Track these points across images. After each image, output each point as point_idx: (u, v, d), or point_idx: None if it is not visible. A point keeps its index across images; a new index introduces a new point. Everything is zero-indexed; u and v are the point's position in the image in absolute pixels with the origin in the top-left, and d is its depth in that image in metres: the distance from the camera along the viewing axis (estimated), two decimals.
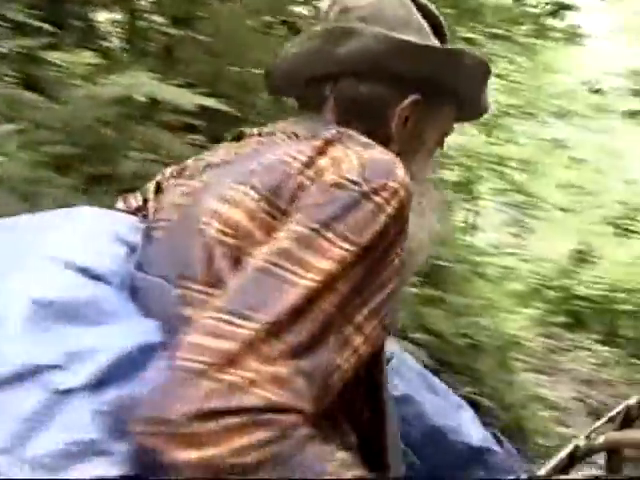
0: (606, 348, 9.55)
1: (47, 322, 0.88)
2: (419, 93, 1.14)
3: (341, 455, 0.87)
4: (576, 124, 11.67)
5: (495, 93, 9.88)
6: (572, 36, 8.83)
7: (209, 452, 0.79)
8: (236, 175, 1.01)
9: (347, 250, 0.90)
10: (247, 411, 0.80)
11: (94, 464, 0.81)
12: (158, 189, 1.18)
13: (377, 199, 0.93)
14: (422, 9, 1.22)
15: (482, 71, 1.20)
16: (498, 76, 9.49)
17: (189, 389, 0.80)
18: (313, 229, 0.90)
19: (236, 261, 0.92)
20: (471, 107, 1.27)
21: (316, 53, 1.15)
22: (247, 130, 1.18)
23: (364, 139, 1.05)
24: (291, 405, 0.82)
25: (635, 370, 8.22)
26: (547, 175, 11.93)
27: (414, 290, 4.20)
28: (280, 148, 1.04)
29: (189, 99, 3.22)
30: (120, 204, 1.25)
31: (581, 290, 11.26)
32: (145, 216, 1.16)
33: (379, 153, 1.01)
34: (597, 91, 10.79)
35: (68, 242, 1.01)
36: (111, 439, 0.83)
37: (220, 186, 1.00)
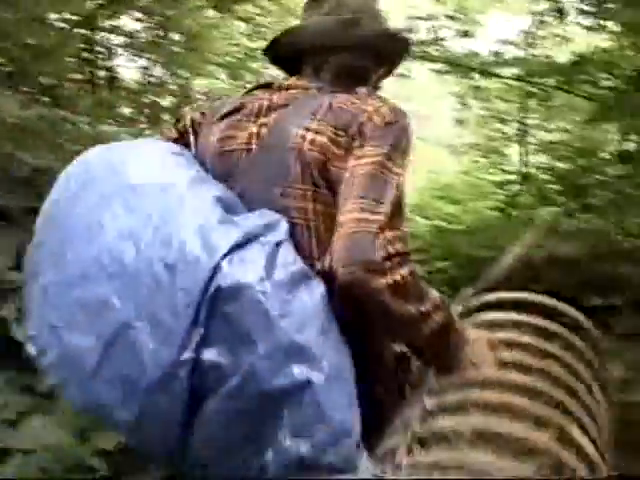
0: None
1: (233, 212, 1.43)
2: (388, 63, 1.80)
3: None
4: None
5: (240, 37, 10.48)
6: None
7: (395, 276, 1.34)
8: (307, 114, 1.53)
9: (403, 162, 1.50)
10: (402, 254, 1.37)
11: (312, 283, 1.35)
12: (193, 126, 1.71)
13: (405, 130, 1.55)
14: None
15: (409, 48, 1.85)
16: (242, 19, 10.47)
17: (376, 242, 1.34)
18: (387, 151, 1.47)
19: (324, 170, 1.48)
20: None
21: (328, 33, 1.68)
22: (275, 81, 1.70)
23: (378, 94, 1.69)
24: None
25: None
26: None
27: None
28: (330, 97, 1.58)
29: None
30: (159, 137, 1.79)
31: None
32: (186, 145, 1.68)
33: (391, 103, 1.60)
34: None
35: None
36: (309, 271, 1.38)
37: (298, 120, 1.53)
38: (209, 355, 1.25)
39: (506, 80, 7.96)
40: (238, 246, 1.29)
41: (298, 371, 1.26)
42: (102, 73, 7.50)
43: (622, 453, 3.50)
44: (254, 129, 1.58)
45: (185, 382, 1.25)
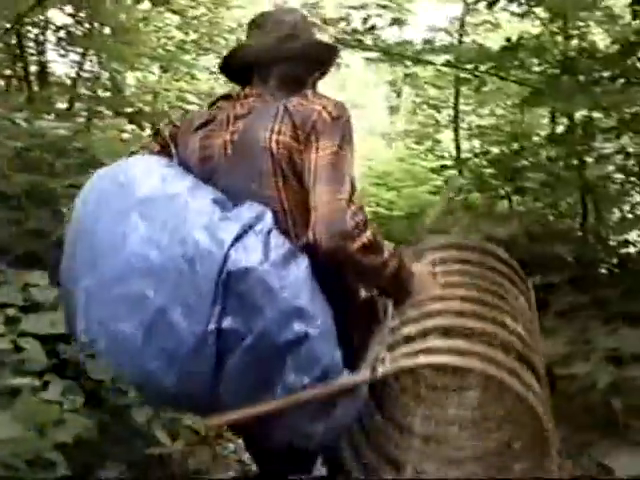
0: None
1: (226, 209, 1.81)
2: (320, 68, 2.16)
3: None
4: None
5: (172, 29, 10.42)
6: None
7: (363, 239, 1.76)
8: (269, 117, 1.88)
9: (350, 148, 1.90)
10: (364, 221, 1.80)
11: (299, 259, 1.73)
12: (172, 139, 2.08)
13: (348, 121, 1.93)
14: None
15: (337, 54, 2.28)
16: (174, 12, 10.40)
17: (346, 216, 1.74)
18: (339, 143, 1.84)
19: (290, 163, 1.84)
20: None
21: (269, 48, 2.04)
22: (232, 92, 2.04)
23: (321, 93, 2.02)
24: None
25: None
26: None
27: None
28: (283, 103, 1.91)
29: None
30: (143, 152, 2.11)
31: None
32: (169, 155, 2.04)
33: (332, 99, 1.96)
34: None
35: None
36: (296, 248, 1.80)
37: (263, 124, 1.87)
38: (227, 324, 1.68)
39: (439, 67, 8.06)
40: (239, 237, 1.68)
41: (298, 328, 1.70)
42: (34, 68, 7.39)
43: (565, 424, 3.64)
44: (227, 137, 1.94)
45: (212, 347, 1.68)
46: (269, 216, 1.78)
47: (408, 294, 1.95)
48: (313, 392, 1.74)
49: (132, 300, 1.71)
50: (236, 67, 2.15)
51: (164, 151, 2.08)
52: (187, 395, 1.78)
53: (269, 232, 1.74)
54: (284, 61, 2.07)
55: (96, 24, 7.67)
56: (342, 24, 7.46)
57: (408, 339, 1.84)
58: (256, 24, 2.14)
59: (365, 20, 7.36)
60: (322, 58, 2.19)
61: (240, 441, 3.98)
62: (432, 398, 2.34)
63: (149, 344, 1.71)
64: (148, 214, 1.74)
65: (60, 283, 1.99)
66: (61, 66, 8.07)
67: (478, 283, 2.07)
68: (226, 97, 2.09)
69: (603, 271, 5.71)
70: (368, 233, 1.80)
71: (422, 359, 1.80)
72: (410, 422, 2.26)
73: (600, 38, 7.14)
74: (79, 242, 1.83)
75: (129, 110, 6.97)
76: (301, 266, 1.75)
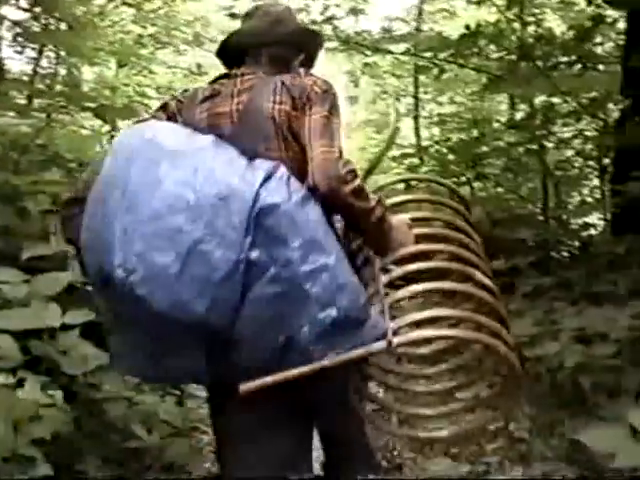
0: None
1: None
2: (304, 51, 2.44)
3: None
4: (211, 50, 9.49)
5: (127, 23, 10.36)
6: None
7: (354, 184, 1.97)
8: (269, 91, 2.18)
9: (338, 115, 2.16)
10: (354, 170, 2.02)
11: (311, 202, 1.97)
12: (178, 110, 2.27)
13: (335, 95, 2.18)
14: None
15: (322, 41, 2.56)
16: (130, 5, 10.34)
17: (339, 164, 1.98)
18: (328, 109, 2.11)
19: (290, 128, 2.11)
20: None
21: (261, 32, 2.37)
22: (232, 71, 2.31)
23: (310, 72, 2.31)
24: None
25: None
26: None
27: None
28: (280, 79, 2.20)
29: None
30: (155, 118, 2.28)
31: None
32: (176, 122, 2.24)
33: (321, 77, 2.26)
34: (234, 15, 8.54)
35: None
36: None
37: (266, 96, 2.17)
38: (255, 255, 1.88)
39: (397, 56, 8.11)
40: (264, 180, 1.95)
41: (318, 258, 1.91)
42: None
43: (534, 403, 3.71)
44: (233, 107, 2.22)
45: (241, 275, 1.87)
46: (283, 167, 2.04)
47: (388, 242, 2.16)
48: (334, 360, 1.91)
49: (169, 234, 1.91)
50: (231, 50, 2.43)
51: (170, 121, 2.28)
52: (213, 323, 1.92)
53: (288, 178, 2.01)
54: (273, 44, 2.38)
55: (52, 19, 7.56)
56: (301, 15, 7.46)
57: (400, 301, 2.12)
58: (248, 14, 2.51)
59: (324, 10, 7.39)
60: (305, 42, 2.49)
61: None
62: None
63: (184, 273, 1.89)
64: (179, 163, 1.99)
65: (78, 236, 2.16)
66: (17, 63, 8.01)
67: (444, 233, 2.35)
68: (225, 76, 2.35)
69: (565, 254, 5.80)
70: (358, 180, 2.02)
71: (430, 332, 2.06)
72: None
73: (556, 24, 7.25)
74: (112, 190, 2.01)
75: (92, 105, 6.87)
76: (316, 207, 2.00)
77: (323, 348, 1.91)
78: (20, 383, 2.64)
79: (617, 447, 2.32)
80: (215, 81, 2.37)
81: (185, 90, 2.44)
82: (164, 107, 2.34)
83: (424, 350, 2.46)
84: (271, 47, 2.38)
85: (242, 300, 1.91)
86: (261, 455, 2.10)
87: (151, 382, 2.99)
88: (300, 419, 2.18)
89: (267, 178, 1.99)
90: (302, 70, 2.36)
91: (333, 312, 1.91)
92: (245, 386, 1.90)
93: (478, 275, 2.14)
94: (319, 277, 1.92)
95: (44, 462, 2.49)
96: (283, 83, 2.21)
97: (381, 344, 1.94)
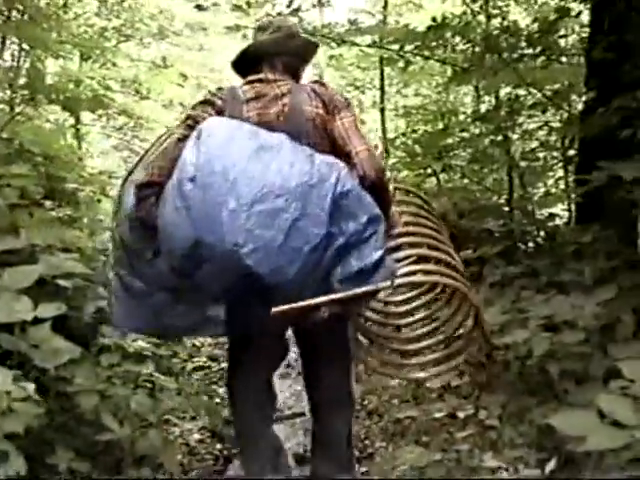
0: None
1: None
2: (308, 60, 3.08)
3: None
4: (175, 43, 11.73)
5: (91, 16, 10.27)
6: None
7: (387, 175, 3.08)
8: (305, 97, 2.77)
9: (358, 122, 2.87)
10: (383, 169, 2.83)
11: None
12: (218, 109, 2.80)
13: (351, 105, 2.89)
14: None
15: (318, 48, 3.16)
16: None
17: (379, 160, 2.80)
18: (353, 115, 2.81)
19: (324, 128, 2.75)
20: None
21: (278, 44, 2.89)
22: (262, 76, 2.88)
23: (327, 84, 2.92)
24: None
25: None
26: (152, 95, 11.12)
27: (53, 213, 4.82)
28: (310, 88, 2.82)
29: None
30: (204, 113, 2.81)
31: None
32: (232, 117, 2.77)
33: (335, 89, 2.95)
34: (200, 7, 8.52)
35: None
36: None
37: (305, 102, 2.76)
38: (333, 229, 2.50)
39: (363, 48, 8.12)
40: (338, 172, 2.56)
41: (376, 227, 2.59)
42: None
43: (502, 391, 3.76)
44: (280, 108, 2.78)
45: (324, 245, 2.48)
46: (342, 162, 2.65)
47: (390, 218, 2.78)
48: (347, 293, 2.55)
49: (273, 213, 2.44)
50: (250, 58, 2.95)
51: (220, 116, 2.78)
52: (300, 283, 2.50)
53: (348, 170, 2.62)
54: (287, 54, 2.93)
55: (15, 11, 7.47)
56: (267, 7, 7.46)
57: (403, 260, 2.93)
58: (261, 28, 3.01)
59: (290, 2, 7.37)
60: (310, 53, 3.10)
61: (186, 425, 4.00)
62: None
63: (285, 244, 2.43)
64: (270, 156, 2.55)
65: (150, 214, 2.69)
66: None
67: (421, 221, 3.32)
68: (259, 80, 2.87)
69: (531, 244, 5.87)
70: (387, 172, 2.75)
71: (422, 277, 3.07)
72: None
73: (521, 17, 7.31)
74: (211, 178, 2.50)
75: (60, 98, 6.81)
76: (368, 192, 2.63)
77: (346, 288, 2.56)
78: None
79: (587, 431, 2.35)
80: (248, 84, 2.88)
81: (219, 88, 2.92)
82: (210, 103, 2.84)
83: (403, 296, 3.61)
84: (285, 57, 2.93)
85: (320, 262, 2.53)
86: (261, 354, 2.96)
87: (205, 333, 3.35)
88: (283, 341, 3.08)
89: (339, 170, 2.59)
90: (322, 81, 3.02)
91: (367, 262, 2.56)
92: (278, 308, 2.47)
93: (443, 247, 3.16)
94: (371, 240, 2.58)
95: (17, 456, 2.49)
96: (314, 90, 2.82)
97: (387, 283, 2.62)
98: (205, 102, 2.83)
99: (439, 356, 3.35)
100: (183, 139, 2.68)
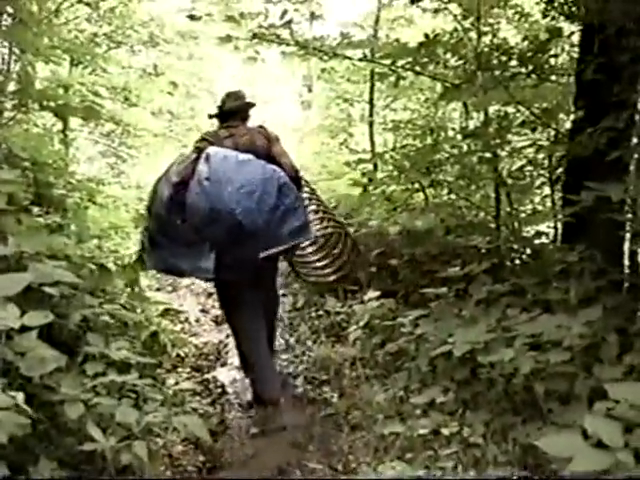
0: None
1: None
2: (249, 112, 5.41)
3: None
4: (166, 51, 11.99)
5: (82, 21, 10.24)
6: None
7: (300, 174, 5.34)
8: (257, 135, 5.16)
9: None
10: (299, 170, 5.24)
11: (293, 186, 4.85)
12: (211, 142, 4.97)
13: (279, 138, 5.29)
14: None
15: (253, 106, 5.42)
16: (87, 4, 10.21)
17: (295, 167, 5.11)
18: (282, 145, 5.19)
19: (268, 153, 5.03)
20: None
21: (238, 107, 5.28)
22: (231, 123, 5.19)
23: (265, 127, 5.40)
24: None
25: None
26: (141, 103, 11.31)
27: (41, 220, 5.06)
28: (258, 130, 5.24)
29: None
30: (205, 144, 4.98)
31: None
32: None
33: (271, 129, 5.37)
34: (193, 17, 8.48)
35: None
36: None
37: (257, 137, 5.13)
38: (277, 201, 4.51)
39: (354, 62, 8.13)
40: (280, 172, 4.71)
41: (300, 202, 4.82)
42: None
43: (487, 409, 3.77)
44: (244, 141, 4.96)
45: (274, 209, 4.50)
46: (279, 168, 4.72)
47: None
48: (289, 244, 4.72)
49: (249, 193, 4.39)
50: (224, 113, 5.17)
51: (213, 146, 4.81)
52: (262, 229, 4.42)
53: (282, 170, 4.71)
54: (242, 112, 5.19)
55: (5, 15, 7.45)
56: (260, 18, 7.46)
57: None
58: (229, 95, 5.25)
59: (283, 15, 7.37)
60: (252, 108, 5.28)
61: (169, 436, 3.98)
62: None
63: (258, 208, 4.40)
64: (247, 165, 4.54)
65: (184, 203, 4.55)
66: None
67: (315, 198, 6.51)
68: (227, 127, 5.09)
69: (517, 262, 5.89)
70: (301, 173, 5.06)
71: (330, 230, 6.30)
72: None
73: (511, 35, 7.35)
74: (219, 179, 4.42)
75: (52, 104, 6.79)
76: (295, 189, 4.74)
77: (292, 239, 4.65)
78: None
79: (572, 452, 2.37)
80: (223, 128, 5.07)
81: (207, 132, 5.16)
82: (206, 140, 4.93)
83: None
84: (241, 113, 5.17)
85: (271, 220, 4.46)
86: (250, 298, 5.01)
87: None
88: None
89: (279, 172, 4.62)
90: (263, 125, 5.26)
91: (299, 222, 4.64)
92: (264, 253, 4.51)
93: (330, 211, 6.53)
94: (300, 208, 4.70)
95: (0, 465, 2.48)
96: (260, 132, 5.07)
97: (311, 235, 5.06)
98: (203, 139, 5.01)
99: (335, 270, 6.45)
100: (195, 159, 4.61)
